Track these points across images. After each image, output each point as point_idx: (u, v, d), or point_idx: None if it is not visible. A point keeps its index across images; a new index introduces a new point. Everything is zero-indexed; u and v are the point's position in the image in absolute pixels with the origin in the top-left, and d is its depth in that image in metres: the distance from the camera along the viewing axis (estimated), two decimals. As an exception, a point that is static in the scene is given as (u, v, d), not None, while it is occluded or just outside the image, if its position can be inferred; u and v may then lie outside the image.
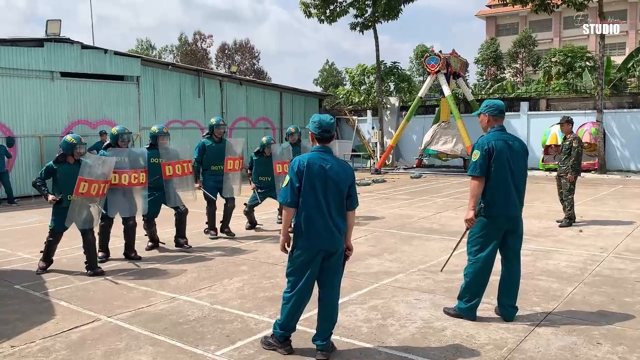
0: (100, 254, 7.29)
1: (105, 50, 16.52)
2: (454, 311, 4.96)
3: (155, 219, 8.00)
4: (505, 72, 41.59)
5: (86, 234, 6.66)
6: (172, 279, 6.44)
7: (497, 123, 4.83)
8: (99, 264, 6.89)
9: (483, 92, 28.38)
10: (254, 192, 9.22)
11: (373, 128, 23.23)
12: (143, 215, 7.74)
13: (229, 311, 5.26)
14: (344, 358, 4.17)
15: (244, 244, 8.37)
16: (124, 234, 7.40)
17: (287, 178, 4.08)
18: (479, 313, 4.96)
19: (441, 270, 5.53)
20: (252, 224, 9.56)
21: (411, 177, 19.17)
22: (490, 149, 4.67)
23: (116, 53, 16.81)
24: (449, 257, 5.28)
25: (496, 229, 4.76)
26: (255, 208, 9.53)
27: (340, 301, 5.41)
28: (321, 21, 22.00)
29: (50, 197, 6.57)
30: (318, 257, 4.08)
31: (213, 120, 8.74)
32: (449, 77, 20.54)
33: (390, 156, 23.68)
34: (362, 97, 24.25)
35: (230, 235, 8.79)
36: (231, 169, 8.59)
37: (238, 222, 9.52)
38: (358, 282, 6.15)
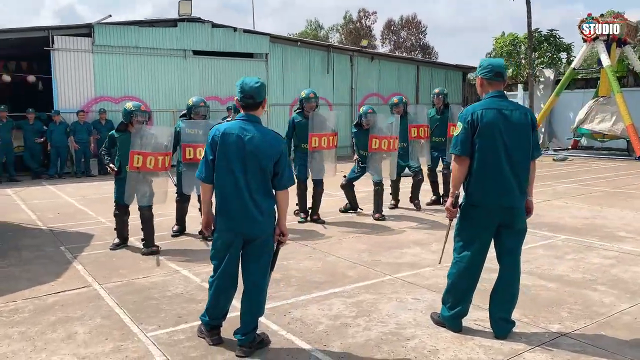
0: (175, 228, 7.33)
1: (235, 29, 17.15)
2: (438, 318, 4.10)
3: None
4: None
5: (143, 210, 6.36)
6: (193, 254, 6.35)
7: (493, 88, 3.80)
8: (172, 235, 7.05)
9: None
10: (355, 164, 8.38)
11: (516, 104, 20.97)
12: None
13: (209, 290, 4.99)
14: (268, 357, 3.65)
15: (324, 230, 7.49)
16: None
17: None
18: (470, 324, 4.04)
19: (439, 264, 4.65)
20: (352, 206, 8.61)
21: (554, 159, 16.96)
22: (473, 121, 3.68)
23: (245, 31, 17.36)
24: (443, 250, 4.39)
25: (484, 222, 3.79)
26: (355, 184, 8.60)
27: (328, 292, 4.90)
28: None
29: (110, 167, 6.40)
30: (237, 241, 3.59)
31: (303, 93, 7.83)
32: (609, 44, 17.60)
33: (540, 136, 21.30)
34: (512, 70, 21.98)
35: (320, 222, 7.92)
36: (316, 146, 7.57)
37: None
38: (369, 273, 5.46)
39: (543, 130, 21.25)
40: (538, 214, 8.39)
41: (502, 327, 3.85)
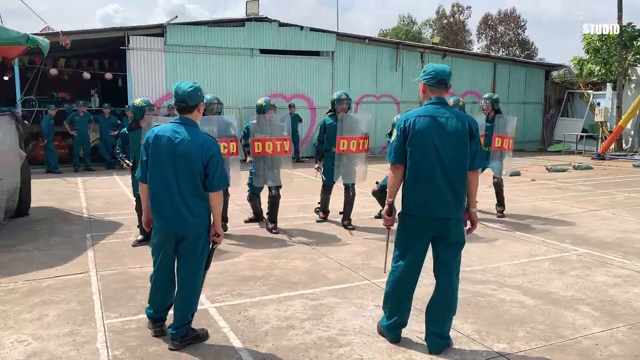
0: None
1: (301, 27, 17.40)
2: (380, 327, 4.03)
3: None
4: None
5: None
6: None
7: (435, 94, 3.65)
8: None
9: None
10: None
11: (598, 104, 19.51)
12: (248, 187, 7.65)
13: (187, 284, 5.20)
14: (196, 352, 3.78)
15: (337, 232, 7.43)
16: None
17: (144, 151, 3.83)
18: (412, 335, 3.94)
19: (384, 272, 4.52)
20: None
21: (634, 165, 15.63)
22: (405, 129, 3.57)
23: (312, 29, 17.56)
24: (385, 259, 4.27)
25: (419, 232, 3.67)
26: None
27: (297, 293, 4.96)
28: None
29: (126, 162, 6.79)
30: (170, 239, 3.75)
31: (335, 95, 7.64)
32: None
33: (630, 139, 19.73)
34: (599, 68, 20.43)
35: (349, 228, 7.57)
36: (344, 150, 7.37)
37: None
38: (350, 276, 5.43)
39: (632, 133, 19.64)
40: (573, 224, 7.87)
41: (435, 342, 3.71)
